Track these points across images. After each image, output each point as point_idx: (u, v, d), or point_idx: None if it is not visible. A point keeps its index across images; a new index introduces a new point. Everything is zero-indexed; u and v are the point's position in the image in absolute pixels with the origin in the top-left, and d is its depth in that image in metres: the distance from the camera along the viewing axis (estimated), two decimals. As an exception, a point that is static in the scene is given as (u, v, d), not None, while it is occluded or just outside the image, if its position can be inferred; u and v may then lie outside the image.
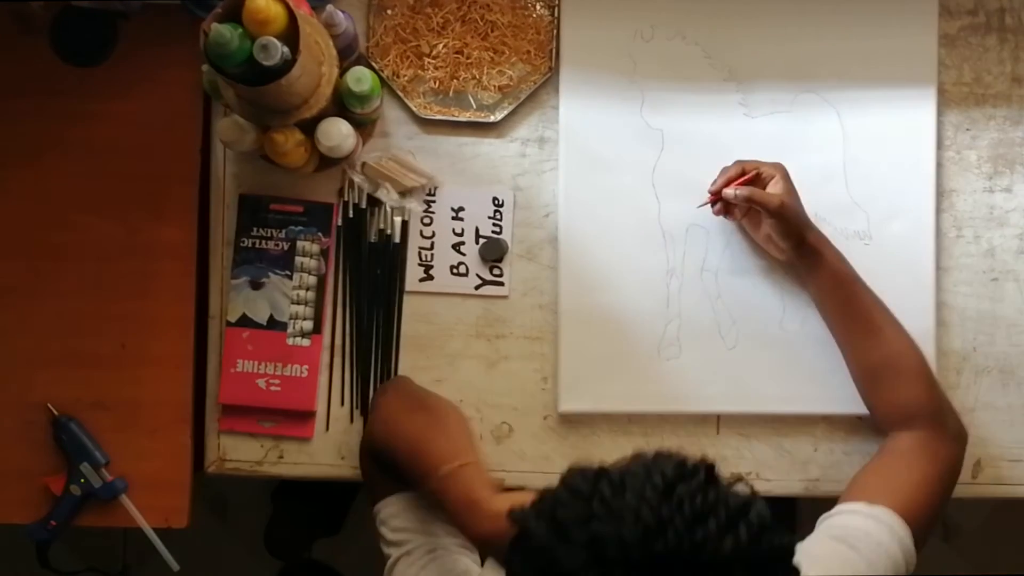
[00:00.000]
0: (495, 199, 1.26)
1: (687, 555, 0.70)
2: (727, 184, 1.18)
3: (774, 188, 1.15)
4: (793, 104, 1.26)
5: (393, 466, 1.09)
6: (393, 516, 1.10)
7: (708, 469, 0.76)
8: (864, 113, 1.25)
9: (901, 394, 1.14)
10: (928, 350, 1.23)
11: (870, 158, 1.25)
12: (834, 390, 1.22)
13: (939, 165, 1.26)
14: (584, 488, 0.75)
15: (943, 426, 1.12)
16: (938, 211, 1.26)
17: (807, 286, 1.21)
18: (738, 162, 1.19)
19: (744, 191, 1.16)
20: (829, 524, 1.05)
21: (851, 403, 1.21)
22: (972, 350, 1.26)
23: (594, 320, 1.24)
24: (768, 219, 1.16)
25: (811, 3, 1.26)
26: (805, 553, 0.98)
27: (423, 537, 1.08)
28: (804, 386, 1.24)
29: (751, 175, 1.18)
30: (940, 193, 1.26)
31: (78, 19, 1.25)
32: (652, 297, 1.25)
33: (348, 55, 1.19)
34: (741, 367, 1.24)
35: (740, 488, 0.76)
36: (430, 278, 1.26)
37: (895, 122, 1.25)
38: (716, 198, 1.20)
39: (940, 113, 1.26)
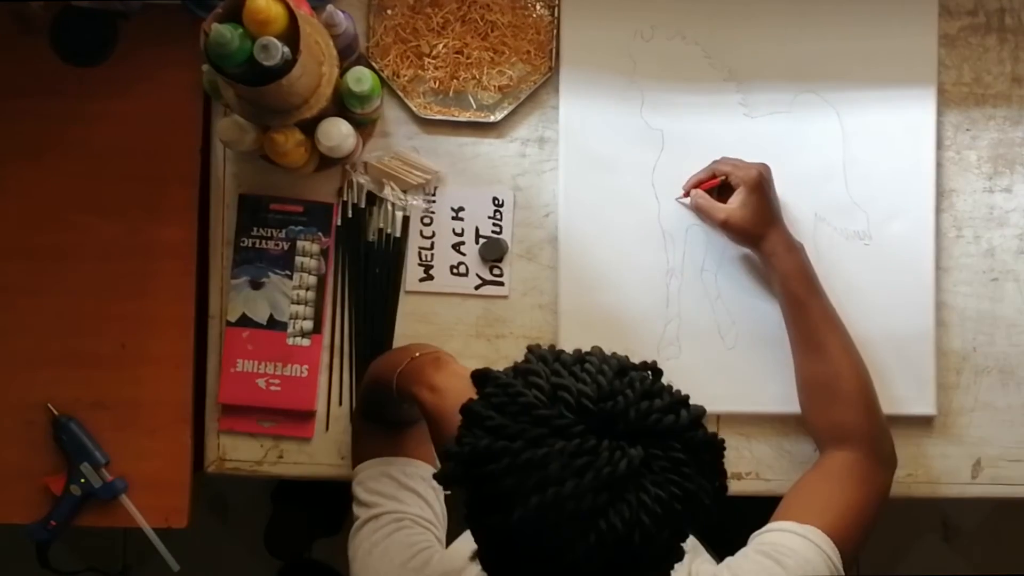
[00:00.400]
0: (495, 199, 1.26)
1: (632, 420, 0.77)
2: (696, 184, 1.22)
3: (733, 199, 1.18)
4: (793, 104, 1.26)
5: (376, 401, 1.11)
6: (371, 478, 1.10)
7: (655, 370, 0.84)
8: (864, 113, 1.26)
9: (835, 415, 1.15)
10: (928, 351, 1.23)
11: (870, 158, 1.25)
12: None
13: (939, 165, 1.26)
14: (547, 356, 0.83)
15: (874, 451, 1.13)
16: (938, 211, 1.26)
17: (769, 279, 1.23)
18: (714, 162, 1.22)
19: (694, 202, 1.22)
20: (759, 540, 1.05)
21: None
22: (972, 350, 1.26)
23: (594, 320, 1.24)
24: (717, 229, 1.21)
25: (811, 4, 1.26)
26: (733, 567, 1.02)
27: (394, 503, 1.08)
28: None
29: (716, 181, 1.21)
30: (940, 193, 1.26)
31: (78, 19, 1.25)
32: (652, 297, 1.25)
33: (348, 55, 1.19)
34: (741, 367, 1.24)
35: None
36: (430, 278, 1.26)
37: (895, 122, 1.25)
38: (687, 195, 1.24)
39: (940, 113, 1.26)
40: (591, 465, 0.75)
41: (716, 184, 1.21)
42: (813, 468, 1.14)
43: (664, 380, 0.84)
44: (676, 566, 0.85)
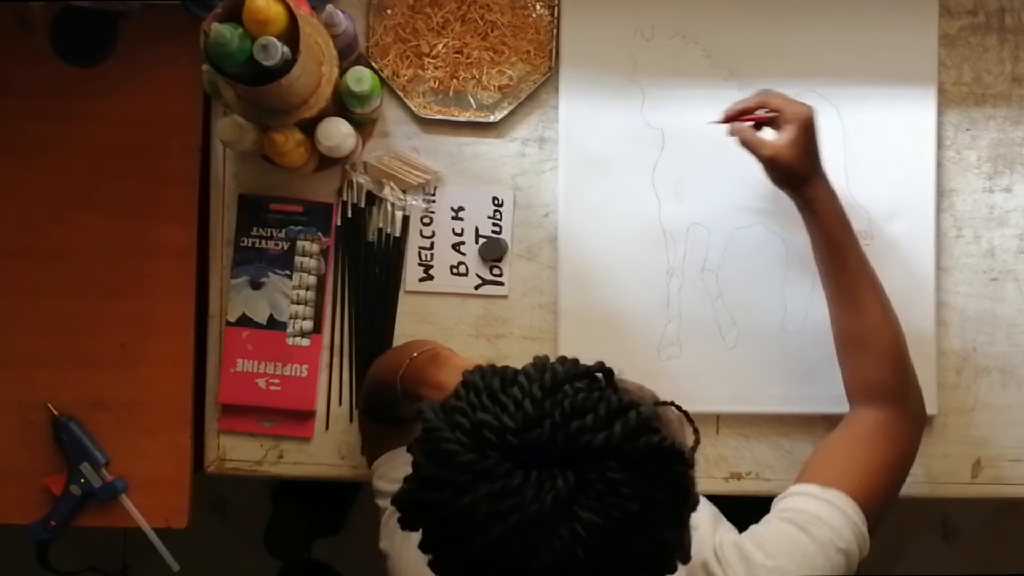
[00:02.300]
0: (495, 199, 1.26)
1: (560, 445, 0.73)
2: (742, 112, 1.15)
3: (780, 136, 1.11)
4: (794, 103, 1.26)
5: (382, 404, 1.10)
6: (391, 469, 1.10)
7: (606, 373, 0.80)
8: (865, 113, 1.25)
9: (868, 370, 1.12)
10: (928, 351, 1.23)
11: (871, 158, 1.25)
12: (834, 390, 1.22)
13: (939, 165, 1.26)
14: (478, 383, 0.79)
15: (905, 408, 1.11)
16: (938, 211, 1.26)
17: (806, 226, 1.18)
18: (763, 92, 1.15)
19: (738, 133, 1.14)
20: (783, 507, 1.04)
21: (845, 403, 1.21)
22: (972, 350, 1.26)
23: (594, 320, 1.24)
24: (761, 167, 1.14)
25: (812, 4, 1.25)
26: (757, 536, 1.00)
27: None
28: (804, 386, 1.24)
29: (767, 116, 1.13)
30: (940, 193, 1.26)
31: (78, 19, 1.25)
32: (652, 297, 1.25)
33: (348, 55, 1.19)
34: (741, 367, 1.24)
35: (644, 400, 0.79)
36: (430, 278, 1.26)
37: (896, 122, 1.25)
38: (725, 121, 1.17)
39: (940, 113, 1.26)
40: (517, 507, 0.72)
41: (764, 119, 1.13)
42: (840, 428, 1.12)
43: (620, 375, 0.80)
44: (702, 536, 0.86)
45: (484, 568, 0.75)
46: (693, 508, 0.81)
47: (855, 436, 1.10)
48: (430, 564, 0.79)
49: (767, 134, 1.13)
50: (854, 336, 1.13)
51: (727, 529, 1.04)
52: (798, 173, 1.12)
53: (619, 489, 0.73)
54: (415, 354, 1.06)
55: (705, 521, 1.02)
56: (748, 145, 1.14)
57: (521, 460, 0.74)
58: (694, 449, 0.82)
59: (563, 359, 0.81)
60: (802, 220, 1.16)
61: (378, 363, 1.17)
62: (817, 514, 1.01)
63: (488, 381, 0.79)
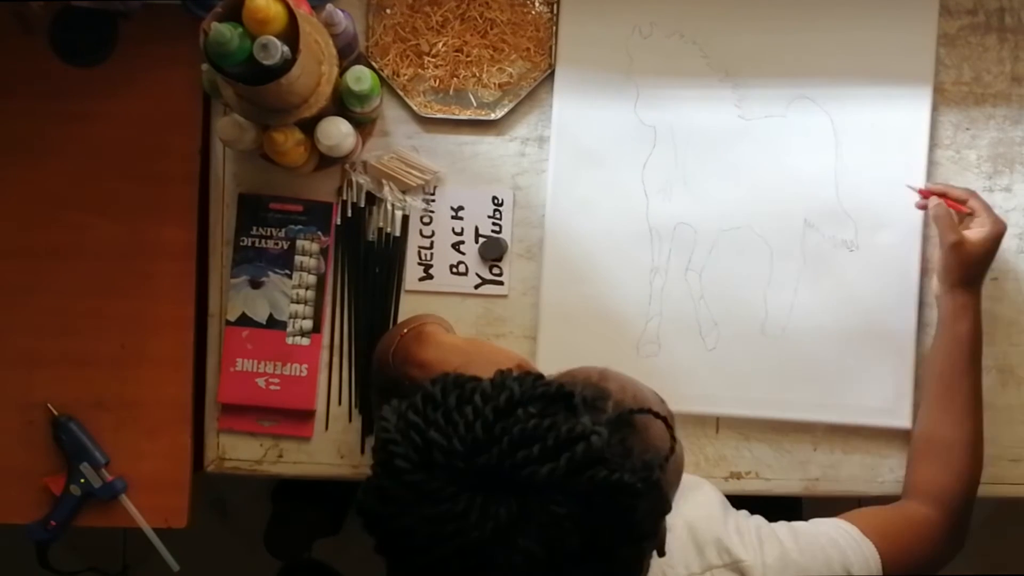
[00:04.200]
0: (495, 198, 1.26)
1: (506, 473, 0.73)
2: (942, 195, 1.19)
3: (973, 231, 1.16)
4: (788, 108, 1.25)
5: (388, 388, 1.10)
6: None
7: (565, 396, 0.78)
8: (859, 121, 1.25)
9: (941, 477, 1.15)
10: (907, 356, 1.23)
11: (862, 167, 1.24)
12: (810, 397, 1.23)
13: (938, 164, 1.26)
14: (437, 396, 0.78)
15: (952, 523, 1.13)
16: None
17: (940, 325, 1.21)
18: (970, 192, 1.19)
19: (938, 209, 1.17)
20: (818, 520, 1.07)
21: (824, 411, 1.22)
22: (972, 349, 1.26)
23: (575, 313, 1.24)
24: (940, 249, 1.17)
25: (812, 5, 1.25)
26: (791, 526, 1.04)
27: None
28: (782, 391, 1.24)
29: (964, 209, 1.18)
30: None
31: (78, 19, 1.25)
32: (635, 293, 1.25)
33: (348, 54, 1.19)
34: (720, 369, 1.24)
35: (600, 422, 0.78)
36: (430, 277, 1.26)
37: (889, 130, 1.24)
38: (924, 195, 1.21)
39: (940, 112, 1.26)
40: (459, 531, 0.72)
41: (961, 211, 1.18)
42: (893, 506, 1.15)
43: (580, 398, 0.79)
44: (712, 514, 0.90)
45: None
46: (663, 514, 0.81)
47: (900, 512, 1.13)
48: (386, 566, 0.81)
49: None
50: (942, 444, 1.16)
51: (744, 516, 1.06)
52: (969, 271, 1.16)
53: (561, 523, 0.73)
54: (405, 331, 1.06)
55: (715, 504, 1.05)
56: (941, 222, 1.17)
57: (467, 484, 0.73)
58: (667, 458, 0.80)
59: (525, 375, 0.80)
60: (938, 320, 1.20)
61: (382, 339, 1.18)
62: (846, 549, 1.03)
63: (447, 396, 0.78)
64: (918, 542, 1.10)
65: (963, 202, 1.18)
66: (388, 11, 1.26)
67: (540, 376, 0.81)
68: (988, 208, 1.17)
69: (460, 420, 0.75)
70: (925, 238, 1.25)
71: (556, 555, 0.73)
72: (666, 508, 0.81)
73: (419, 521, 0.74)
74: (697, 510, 1.03)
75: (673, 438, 0.83)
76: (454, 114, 1.26)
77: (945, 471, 1.15)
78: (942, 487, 1.14)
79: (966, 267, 1.16)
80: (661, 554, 0.82)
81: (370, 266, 1.26)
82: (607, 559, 0.76)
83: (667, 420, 0.83)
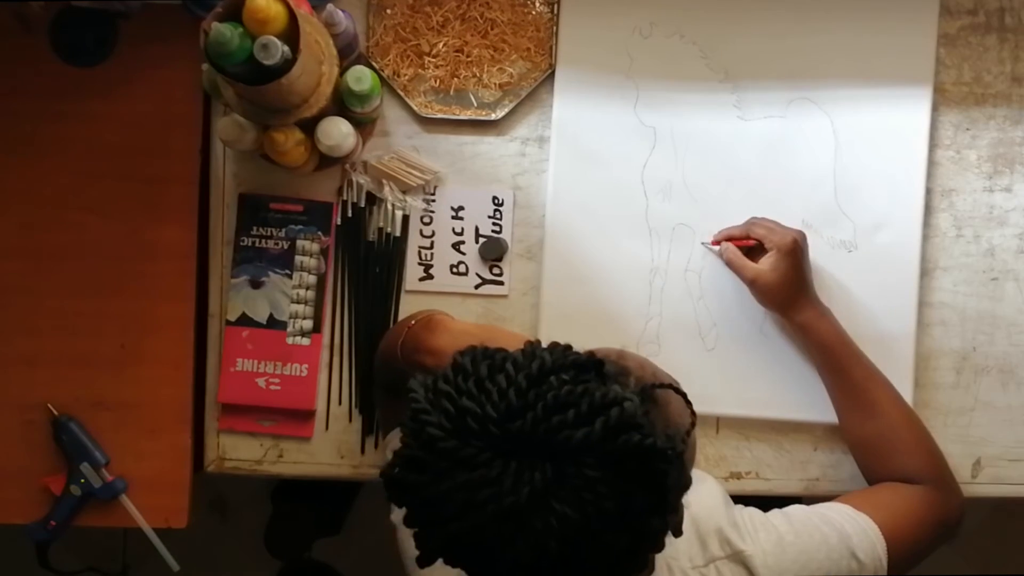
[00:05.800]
0: (495, 198, 1.26)
1: (541, 438, 0.74)
2: (729, 238, 1.21)
3: (763, 261, 1.17)
4: (787, 109, 1.25)
5: (393, 380, 1.10)
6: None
7: (596, 365, 0.80)
8: (858, 121, 1.25)
9: (899, 465, 1.15)
10: (907, 352, 1.23)
11: (861, 168, 1.24)
12: (807, 398, 1.23)
13: (939, 164, 1.26)
14: (468, 367, 0.79)
15: (944, 486, 1.14)
16: (937, 211, 1.26)
17: (803, 345, 1.22)
18: (750, 221, 1.20)
19: (724, 254, 1.21)
20: (810, 507, 1.07)
21: (824, 411, 1.21)
22: (972, 350, 1.26)
23: (575, 312, 1.24)
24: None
25: (812, 5, 1.25)
26: (785, 511, 1.05)
27: None
28: (781, 391, 1.24)
29: (751, 242, 1.19)
30: (940, 193, 1.26)
31: (78, 19, 1.25)
32: (634, 293, 1.25)
33: (348, 54, 1.19)
34: (719, 370, 1.24)
35: (630, 392, 0.79)
36: (430, 277, 1.26)
37: (889, 131, 1.25)
38: (716, 244, 1.24)
39: (940, 112, 1.26)
40: (494, 497, 0.73)
41: (750, 245, 1.19)
42: (883, 483, 1.15)
43: (610, 367, 0.81)
44: (714, 504, 0.90)
45: (460, 550, 0.78)
46: (685, 489, 0.82)
47: (897, 489, 1.13)
48: (415, 537, 0.81)
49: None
50: (878, 439, 1.16)
51: (739, 507, 1.07)
52: (778, 297, 1.18)
53: (596, 487, 0.74)
54: (412, 322, 1.07)
55: (717, 497, 1.06)
56: (733, 266, 1.20)
57: (501, 450, 0.74)
58: (688, 432, 0.82)
59: (555, 346, 0.81)
60: (799, 340, 1.21)
61: (384, 337, 1.18)
62: (842, 523, 1.04)
63: (477, 366, 0.79)
64: (919, 507, 1.10)
65: (746, 237, 1.20)
66: (388, 11, 1.26)
67: (569, 346, 0.82)
68: (771, 228, 1.18)
69: (493, 388, 0.76)
70: (924, 238, 1.25)
71: (590, 520, 0.74)
72: (688, 482, 0.82)
73: (453, 488, 0.74)
74: (700, 502, 1.04)
75: (692, 413, 0.85)
76: (454, 114, 1.26)
77: (903, 456, 1.14)
78: (911, 470, 1.14)
79: (773, 294, 1.18)
80: (677, 534, 0.82)
81: (370, 266, 1.26)
82: (638, 528, 0.77)
83: (686, 396, 0.85)
